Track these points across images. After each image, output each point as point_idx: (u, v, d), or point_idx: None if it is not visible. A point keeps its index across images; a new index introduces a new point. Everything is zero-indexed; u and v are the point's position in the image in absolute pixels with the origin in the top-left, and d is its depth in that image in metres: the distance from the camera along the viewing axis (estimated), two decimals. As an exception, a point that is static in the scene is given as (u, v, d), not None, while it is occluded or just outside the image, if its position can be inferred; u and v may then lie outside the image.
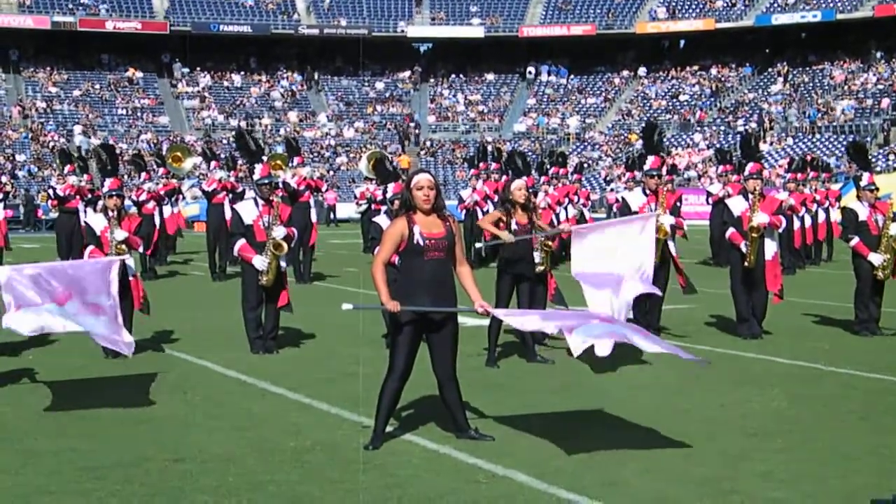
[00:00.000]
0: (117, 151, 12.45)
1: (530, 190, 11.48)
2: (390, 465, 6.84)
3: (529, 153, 47.52)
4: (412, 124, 60.25)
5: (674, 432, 7.65)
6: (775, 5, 60.13)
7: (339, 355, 11.26)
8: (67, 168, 21.79)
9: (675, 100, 60.86)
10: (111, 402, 8.83)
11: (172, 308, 15.26)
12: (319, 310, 14.23)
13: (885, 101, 52.98)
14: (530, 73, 64.99)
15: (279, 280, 11.30)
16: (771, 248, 12.02)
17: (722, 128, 56.28)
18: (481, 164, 23.06)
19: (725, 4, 61.59)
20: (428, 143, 59.72)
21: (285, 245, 11.19)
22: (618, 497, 6.12)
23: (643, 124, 53.46)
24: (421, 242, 7.19)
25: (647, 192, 12.00)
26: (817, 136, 53.18)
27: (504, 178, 22.58)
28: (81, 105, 59.01)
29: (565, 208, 22.32)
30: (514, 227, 10.40)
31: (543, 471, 6.60)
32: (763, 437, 7.53)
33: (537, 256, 11.08)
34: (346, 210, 44.77)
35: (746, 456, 7.03)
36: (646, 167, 12.11)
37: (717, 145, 47.94)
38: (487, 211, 21.87)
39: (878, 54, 56.98)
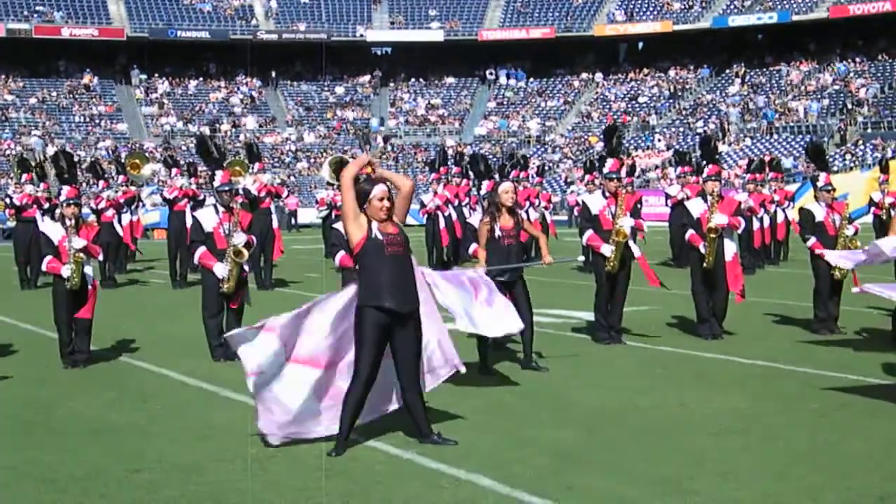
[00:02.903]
0: (75, 159, 12.33)
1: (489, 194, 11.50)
2: (353, 471, 6.83)
3: (490, 156, 47.61)
4: (374, 131, 60.18)
5: (635, 432, 7.69)
6: (732, 7, 60.65)
7: (302, 362, 11.20)
8: (25, 177, 21.56)
9: (634, 101, 61.18)
10: (70, 413, 8.76)
11: (132, 316, 15.14)
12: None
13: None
14: (490, 75, 65.11)
15: (241, 287, 11.25)
16: (730, 248, 12.10)
17: (681, 129, 56.64)
18: (442, 169, 23.03)
19: (682, 6, 62.05)
20: (388, 148, 59.69)
21: (245, 252, 11.15)
22: (579, 499, 6.14)
23: (603, 126, 53.64)
24: (380, 237, 7.24)
25: (607, 194, 12.04)
26: (775, 136, 53.64)
27: (465, 181, 22.63)
28: (38, 112, 58.51)
29: (527, 211, 22.34)
30: (498, 231, 10.36)
31: (506, 474, 6.61)
32: (724, 437, 7.58)
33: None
34: (308, 215, 44.66)
35: (707, 455, 7.07)
36: (605, 170, 12.14)
37: (677, 146, 48.24)
38: (449, 216, 21.85)
39: (837, 52, 57.66)
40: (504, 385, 9.71)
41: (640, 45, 66.03)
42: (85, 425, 8.32)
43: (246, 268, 11.33)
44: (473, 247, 10.93)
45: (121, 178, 23.43)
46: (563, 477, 6.59)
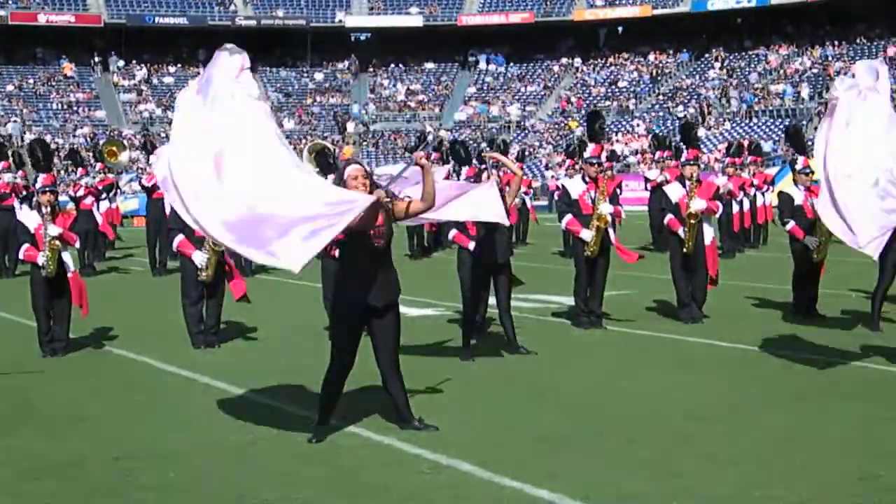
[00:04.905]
0: (53, 147, 12.26)
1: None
2: (334, 457, 6.81)
3: (470, 142, 47.60)
4: (355, 117, 60.05)
5: (616, 417, 7.71)
6: (711, -10, 60.70)
7: (282, 348, 11.20)
8: (2, 165, 21.40)
9: (613, 86, 61.19)
10: (49, 401, 8.71)
11: (111, 304, 15.07)
12: (262, 303, 14.11)
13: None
14: (471, 59, 65.00)
15: (220, 274, 11.20)
16: (709, 233, 12.13)
17: (661, 113, 56.70)
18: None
19: (662, -10, 62.05)
20: (369, 134, 59.58)
21: (224, 240, 11.07)
22: (561, 484, 6.13)
23: (583, 111, 53.57)
24: (363, 229, 7.19)
25: (587, 179, 12.03)
26: (754, 120, 53.77)
27: (446, 167, 22.58)
28: (15, 100, 58.10)
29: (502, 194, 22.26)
30: None
31: (487, 459, 6.61)
32: (705, 420, 7.59)
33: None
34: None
35: (689, 439, 7.09)
36: (586, 155, 12.12)
37: (656, 131, 48.28)
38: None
39: (817, 35, 57.77)
40: (485, 371, 9.71)
41: (620, 29, 65.99)
42: (64, 413, 8.28)
43: (228, 258, 11.27)
44: (453, 232, 10.92)
45: (98, 165, 23.31)
46: (544, 462, 6.59)
